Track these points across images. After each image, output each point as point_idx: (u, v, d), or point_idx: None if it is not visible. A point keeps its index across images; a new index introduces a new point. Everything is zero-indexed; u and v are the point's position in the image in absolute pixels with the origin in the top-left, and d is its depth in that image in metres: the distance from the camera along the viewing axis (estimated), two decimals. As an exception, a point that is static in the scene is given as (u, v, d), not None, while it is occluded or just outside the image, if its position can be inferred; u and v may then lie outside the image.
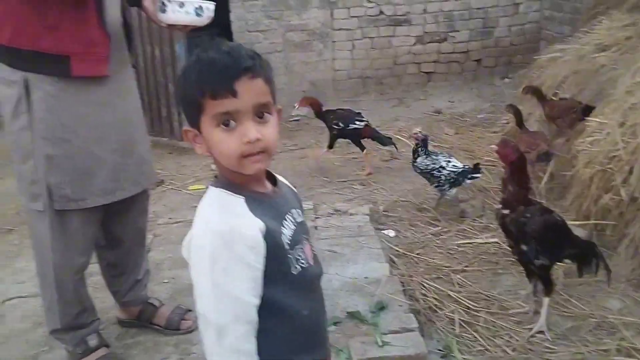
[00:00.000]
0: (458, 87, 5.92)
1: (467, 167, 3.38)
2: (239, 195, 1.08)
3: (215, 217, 1.05)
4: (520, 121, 3.66)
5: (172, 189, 3.93)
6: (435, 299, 2.51)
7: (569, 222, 2.46)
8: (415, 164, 3.40)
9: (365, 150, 4.05)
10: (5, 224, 3.53)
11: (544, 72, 4.28)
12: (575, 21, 5.03)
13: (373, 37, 5.81)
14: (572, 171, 3.18)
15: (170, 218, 3.41)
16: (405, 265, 2.80)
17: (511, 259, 2.80)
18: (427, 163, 3.35)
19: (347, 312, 2.33)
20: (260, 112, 1.04)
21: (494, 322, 2.36)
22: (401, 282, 2.58)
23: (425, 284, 2.62)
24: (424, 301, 2.49)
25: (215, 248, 1.01)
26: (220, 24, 6.07)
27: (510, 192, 2.27)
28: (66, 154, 1.83)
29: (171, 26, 1.95)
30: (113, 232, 2.14)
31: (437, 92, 5.87)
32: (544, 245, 2.23)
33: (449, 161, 3.36)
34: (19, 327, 2.44)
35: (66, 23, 1.71)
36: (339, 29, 5.77)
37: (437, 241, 3.05)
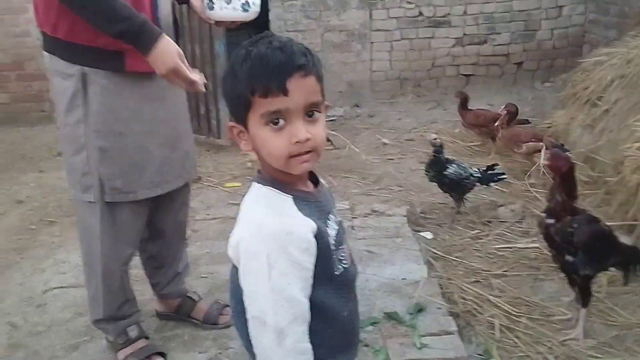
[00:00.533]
0: (497, 90, 5.82)
1: (480, 170, 3.30)
2: (287, 195, 1.06)
3: (267, 219, 1.03)
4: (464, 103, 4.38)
5: (209, 185, 3.96)
6: (474, 302, 2.46)
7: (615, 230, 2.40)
8: (445, 173, 3.18)
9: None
10: (48, 216, 3.61)
11: (588, 75, 4.18)
12: (622, 25, 4.90)
13: (412, 39, 5.77)
14: (617, 177, 3.10)
15: (207, 214, 3.44)
16: (443, 268, 2.76)
17: (553, 265, 2.74)
18: (460, 172, 3.19)
19: (385, 313, 2.31)
20: (310, 111, 1.02)
21: (536, 328, 2.31)
22: (439, 285, 2.55)
23: (463, 288, 2.58)
24: (462, 305, 2.45)
25: (271, 252, 1.00)
26: (259, 23, 6.14)
27: (557, 202, 2.20)
28: (119, 147, 1.86)
29: (219, 23, 1.97)
30: (156, 224, 2.16)
31: (476, 95, 5.73)
32: (591, 255, 2.16)
33: (470, 167, 3.28)
34: (60, 317, 2.48)
35: None
36: (377, 30, 5.74)
37: (476, 245, 3.00)
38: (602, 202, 3.28)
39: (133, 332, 2.13)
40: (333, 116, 5.56)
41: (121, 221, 1.94)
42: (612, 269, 2.34)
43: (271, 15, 5.60)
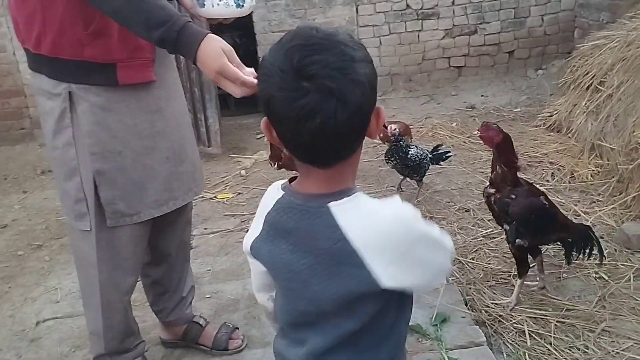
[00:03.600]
0: (490, 80, 5.71)
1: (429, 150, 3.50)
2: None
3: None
4: None
5: (202, 197, 3.78)
6: (499, 308, 2.33)
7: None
8: (409, 157, 3.27)
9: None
10: (35, 239, 3.41)
11: (587, 60, 4.07)
12: (615, 7, 4.80)
13: (400, 33, 5.62)
14: (631, 165, 2.99)
15: (205, 228, 3.27)
16: (460, 272, 2.62)
17: (574, 261, 2.61)
18: (420, 152, 3.32)
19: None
20: None
21: (567, 331, 2.18)
22: (459, 291, 2.41)
23: (485, 292, 2.44)
24: (487, 311, 2.31)
25: (412, 212, 0.94)
26: (242, 24, 5.96)
27: (497, 173, 2.29)
28: (118, 167, 1.68)
29: (210, 20, 1.80)
30: (159, 246, 2.00)
31: (468, 87, 5.67)
32: (526, 227, 2.26)
33: (421, 147, 3.44)
34: (57, 351, 2.30)
35: (110, 27, 1.55)
36: (364, 26, 5.59)
37: (490, 244, 2.87)
38: (616, 191, 3.17)
39: (138, 365, 1.97)
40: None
41: (120, 247, 1.77)
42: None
43: (255, 16, 5.43)
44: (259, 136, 5.20)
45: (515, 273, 2.56)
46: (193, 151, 1.93)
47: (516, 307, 2.32)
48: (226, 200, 3.72)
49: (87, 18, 1.53)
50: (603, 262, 2.39)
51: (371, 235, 0.91)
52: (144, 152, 1.72)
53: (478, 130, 2.38)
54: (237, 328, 2.22)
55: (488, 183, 2.39)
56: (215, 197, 3.78)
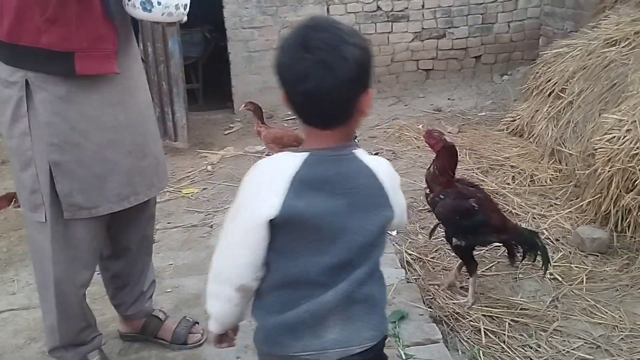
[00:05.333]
0: (457, 84, 5.80)
1: None
2: None
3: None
4: (260, 116, 3.92)
5: (166, 191, 3.74)
6: (456, 306, 2.37)
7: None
8: None
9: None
10: (-8, 230, 3.34)
11: (550, 68, 4.17)
12: (578, 17, 4.94)
13: (370, 34, 5.66)
14: (588, 170, 3.07)
15: (169, 223, 3.25)
16: (421, 270, 2.66)
17: (530, 263, 2.68)
18: None
19: (366, 323, 2.18)
20: None
21: (520, 330, 2.24)
22: (418, 289, 2.45)
23: (444, 291, 2.49)
24: (444, 309, 2.36)
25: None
26: (214, 20, 5.92)
27: (429, 173, 2.41)
28: (77, 160, 1.66)
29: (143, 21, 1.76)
30: (119, 241, 1.98)
31: (435, 90, 5.75)
32: (452, 228, 2.36)
33: None
34: (12, 343, 2.26)
35: (68, 15, 1.53)
36: (335, 25, 5.61)
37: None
38: (573, 195, 3.26)
39: (94, 358, 1.95)
40: (293, 115, 5.41)
41: (76, 241, 1.74)
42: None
43: (226, 12, 5.40)
44: (226, 132, 5.18)
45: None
46: (156, 146, 1.92)
47: (473, 306, 2.37)
48: (191, 195, 3.70)
49: (44, 3, 1.51)
50: (547, 270, 2.42)
51: (386, 174, 1.18)
52: (105, 145, 1.70)
53: (423, 135, 2.48)
54: (197, 322, 2.21)
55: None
56: (180, 191, 3.75)
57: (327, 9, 5.57)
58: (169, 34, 4.35)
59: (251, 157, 4.40)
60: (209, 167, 4.21)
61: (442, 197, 2.33)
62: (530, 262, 2.57)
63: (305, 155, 1.11)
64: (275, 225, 1.09)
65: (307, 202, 1.08)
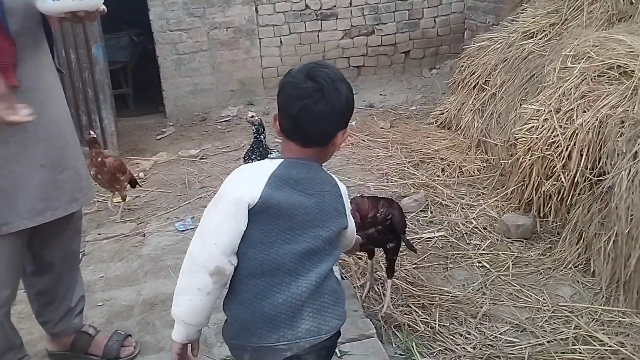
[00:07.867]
0: (388, 80, 5.91)
1: None
2: None
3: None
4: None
5: (96, 201, 3.65)
6: (390, 299, 2.42)
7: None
8: (270, 156, 2.85)
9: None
10: None
11: (473, 61, 4.31)
12: (499, 10, 5.11)
13: (300, 32, 5.70)
14: (511, 159, 3.19)
15: (99, 234, 3.16)
16: (355, 267, 2.70)
17: (460, 252, 2.77)
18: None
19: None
20: None
21: (451, 318, 2.31)
22: (353, 286, 2.49)
23: (377, 284, 2.53)
24: (378, 303, 2.40)
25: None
26: (139, 23, 5.80)
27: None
28: None
29: (52, 18, 1.70)
30: (43, 256, 1.90)
31: (367, 86, 5.83)
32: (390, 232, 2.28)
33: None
34: None
35: None
36: (265, 25, 5.61)
37: (384, 239, 2.97)
38: (499, 184, 3.38)
39: (21, 381, 1.88)
40: (227, 116, 5.38)
41: None
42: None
43: (152, 15, 5.30)
44: (159, 137, 5.09)
45: (407, 265, 2.69)
46: (77, 159, 1.86)
47: (405, 297, 2.42)
48: (119, 204, 3.60)
49: None
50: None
51: (344, 191, 1.41)
52: (11, 159, 1.64)
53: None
54: (130, 335, 2.16)
55: None
56: (105, 201, 3.64)
57: (256, 9, 5.54)
58: (92, 39, 4.24)
59: (185, 161, 4.34)
60: (141, 174, 4.13)
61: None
62: (460, 252, 2.66)
63: (281, 160, 1.32)
64: (252, 214, 1.24)
65: (283, 194, 1.27)
